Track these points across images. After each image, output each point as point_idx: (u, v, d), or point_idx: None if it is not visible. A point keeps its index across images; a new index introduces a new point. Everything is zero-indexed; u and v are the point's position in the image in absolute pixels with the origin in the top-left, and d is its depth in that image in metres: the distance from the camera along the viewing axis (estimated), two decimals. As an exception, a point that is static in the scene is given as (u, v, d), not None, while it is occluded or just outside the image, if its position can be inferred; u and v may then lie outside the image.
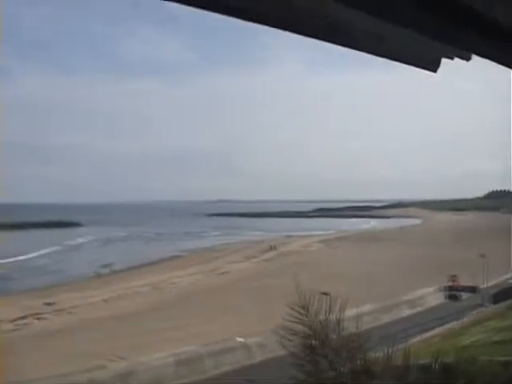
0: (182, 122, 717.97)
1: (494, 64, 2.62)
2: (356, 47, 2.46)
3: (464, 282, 53.48)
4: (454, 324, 38.52)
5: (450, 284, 53.83)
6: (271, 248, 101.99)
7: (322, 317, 4.34)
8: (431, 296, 49.32)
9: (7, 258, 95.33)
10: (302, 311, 4.34)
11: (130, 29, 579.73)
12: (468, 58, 2.63)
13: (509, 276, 56.63)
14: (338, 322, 4.40)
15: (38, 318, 43.37)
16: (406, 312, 43.89)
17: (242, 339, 32.01)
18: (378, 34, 2.41)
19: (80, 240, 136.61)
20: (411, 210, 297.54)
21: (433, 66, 2.69)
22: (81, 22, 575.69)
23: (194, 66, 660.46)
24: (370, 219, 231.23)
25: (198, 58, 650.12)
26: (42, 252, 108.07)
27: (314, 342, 4.44)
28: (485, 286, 51.25)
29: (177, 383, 23.38)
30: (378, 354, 4.40)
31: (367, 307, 37.64)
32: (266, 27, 2.28)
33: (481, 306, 45.65)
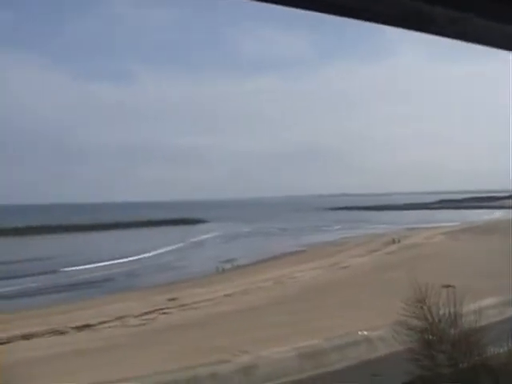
0: (302, 118, 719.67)
1: None
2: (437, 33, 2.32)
3: None
4: None
5: None
6: (394, 241, 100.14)
7: (440, 311, 4.12)
8: None
9: (134, 255, 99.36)
10: (418, 305, 4.13)
11: (253, 28, 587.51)
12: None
13: None
14: (456, 315, 4.16)
15: (163, 313, 44.66)
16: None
17: (365, 332, 31.69)
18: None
19: (203, 236, 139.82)
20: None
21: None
22: (207, 23, 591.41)
23: (314, 61, 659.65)
24: (494, 210, 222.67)
25: (318, 53, 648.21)
26: (167, 249, 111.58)
27: (430, 336, 4.21)
28: None
29: (300, 377, 23.41)
30: (500, 350, 4.10)
31: (490, 300, 36.11)
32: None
33: None
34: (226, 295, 50.72)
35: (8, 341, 37.53)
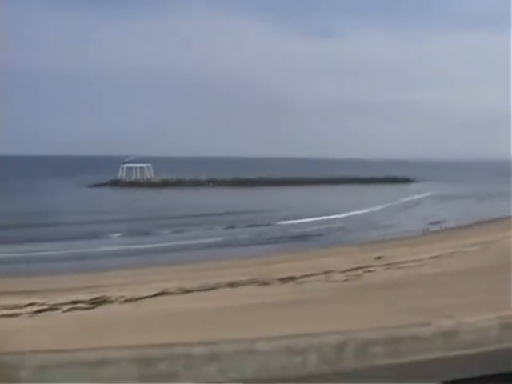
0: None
1: None
2: None
3: None
4: None
5: None
6: None
7: None
8: None
9: (344, 212, 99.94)
10: None
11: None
12: None
13: None
14: None
15: (368, 271, 44.09)
16: None
17: None
18: None
19: (412, 196, 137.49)
20: None
21: None
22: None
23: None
24: None
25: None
26: (376, 208, 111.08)
27: None
28: None
29: (499, 347, 21.76)
30: None
31: None
32: None
33: None
34: (431, 257, 48.93)
35: (215, 287, 39.19)
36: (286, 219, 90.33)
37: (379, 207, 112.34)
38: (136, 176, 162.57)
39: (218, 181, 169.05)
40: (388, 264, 46.96)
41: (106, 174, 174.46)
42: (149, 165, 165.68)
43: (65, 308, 33.87)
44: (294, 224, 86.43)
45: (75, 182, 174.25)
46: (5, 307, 34.34)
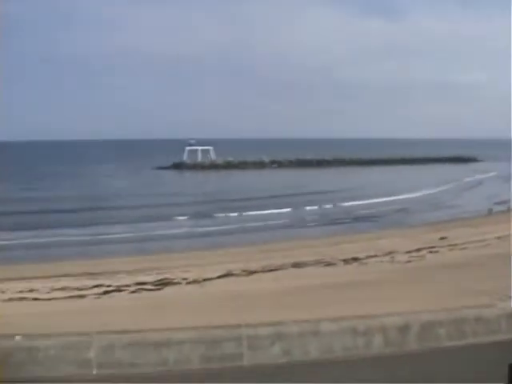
0: None
1: None
2: None
3: None
4: None
5: None
6: None
7: None
8: None
9: (408, 192, 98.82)
10: None
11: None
12: None
13: None
14: None
15: (431, 252, 43.54)
16: None
17: None
18: None
19: (477, 176, 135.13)
20: None
21: None
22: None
23: None
24: None
25: None
26: (441, 188, 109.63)
27: None
28: None
29: None
30: None
31: None
32: None
33: None
34: (496, 237, 47.90)
35: (280, 268, 39.34)
36: (350, 200, 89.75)
37: (445, 187, 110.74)
38: (199, 158, 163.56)
39: (282, 162, 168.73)
40: (452, 245, 46.24)
41: (170, 156, 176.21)
42: (212, 147, 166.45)
43: (131, 289, 34.58)
44: (358, 205, 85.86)
45: (140, 165, 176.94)
46: (75, 288, 35.34)
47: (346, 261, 40.90)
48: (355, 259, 41.34)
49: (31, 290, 35.06)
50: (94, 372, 15.21)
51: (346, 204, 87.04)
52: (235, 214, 79.10)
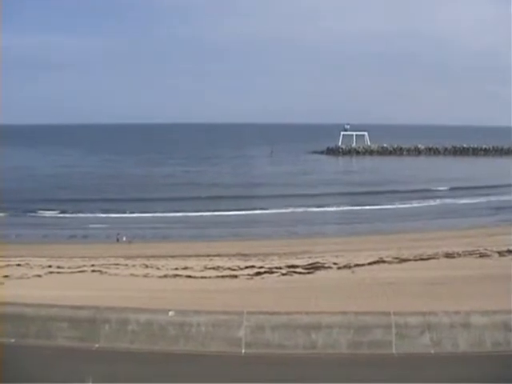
0: None
1: None
2: None
3: None
4: None
5: None
6: None
7: None
8: None
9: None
10: None
11: None
12: None
13: None
14: None
15: None
16: None
17: None
18: None
19: None
20: None
21: None
22: None
23: None
24: None
25: None
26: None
27: None
28: None
29: None
30: None
31: None
32: None
33: None
34: None
35: (432, 257, 38.19)
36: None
37: None
38: (354, 144, 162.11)
39: (437, 149, 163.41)
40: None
41: (323, 141, 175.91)
42: (367, 133, 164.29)
43: (282, 272, 34.90)
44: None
45: (294, 149, 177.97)
46: (228, 268, 36.24)
47: (500, 253, 38.87)
48: (511, 251, 39.20)
49: (185, 268, 36.48)
50: (243, 351, 15.45)
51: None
52: (390, 201, 77.93)
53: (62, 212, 69.84)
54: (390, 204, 76.55)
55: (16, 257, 39.63)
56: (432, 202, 77.89)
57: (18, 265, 37.29)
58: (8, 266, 36.74)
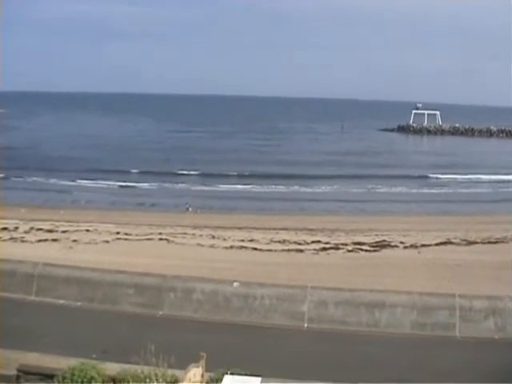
0: None
1: None
2: None
3: None
4: None
5: None
6: None
7: None
8: None
9: None
10: None
11: None
12: None
13: None
14: None
15: None
16: None
17: None
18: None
19: None
20: None
21: None
22: None
23: None
24: None
25: None
26: None
27: None
28: None
29: None
30: None
31: None
32: None
33: None
34: None
35: (499, 240, 37.38)
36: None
37: None
38: (425, 123, 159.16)
39: (510, 131, 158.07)
40: None
41: (394, 119, 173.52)
42: (439, 112, 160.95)
43: (348, 248, 34.85)
44: None
45: (364, 126, 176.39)
46: (294, 242, 36.34)
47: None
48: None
49: (251, 240, 36.77)
50: (306, 325, 15.56)
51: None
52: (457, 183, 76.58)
53: (130, 181, 70.71)
54: (464, 188, 74.88)
55: (85, 222, 40.78)
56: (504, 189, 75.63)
57: (87, 230, 38.43)
58: (77, 231, 37.92)
